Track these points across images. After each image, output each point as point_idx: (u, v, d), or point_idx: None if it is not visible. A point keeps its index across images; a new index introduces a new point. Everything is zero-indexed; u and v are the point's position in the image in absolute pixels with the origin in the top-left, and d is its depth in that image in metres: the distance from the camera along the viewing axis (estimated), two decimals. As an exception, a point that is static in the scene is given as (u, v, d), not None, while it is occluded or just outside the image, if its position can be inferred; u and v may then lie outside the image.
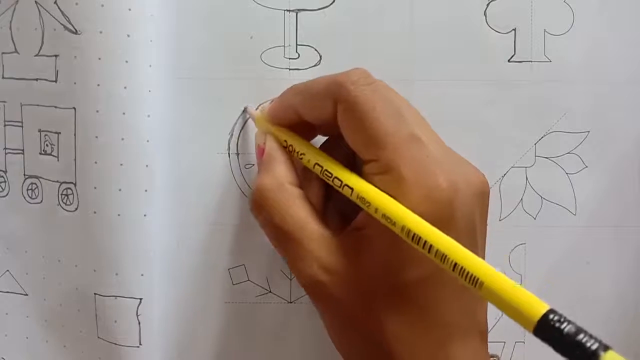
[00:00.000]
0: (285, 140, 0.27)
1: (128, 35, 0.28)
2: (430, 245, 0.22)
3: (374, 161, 0.24)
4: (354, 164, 0.26)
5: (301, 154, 0.27)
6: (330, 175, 0.25)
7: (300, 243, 0.25)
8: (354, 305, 0.25)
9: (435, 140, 0.25)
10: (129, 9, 0.28)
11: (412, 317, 0.24)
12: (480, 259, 0.21)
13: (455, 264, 0.21)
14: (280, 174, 0.26)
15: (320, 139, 0.29)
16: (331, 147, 0.28)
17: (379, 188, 0.24)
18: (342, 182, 0.25)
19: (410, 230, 0.22)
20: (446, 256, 0.21)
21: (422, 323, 0.24)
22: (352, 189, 0.24)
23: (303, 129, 0.27)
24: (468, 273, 0.21)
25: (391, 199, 0.23)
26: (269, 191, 0.26)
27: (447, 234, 0.22)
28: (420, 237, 0.22)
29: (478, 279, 0.20)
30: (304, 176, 0.27)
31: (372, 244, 0.25)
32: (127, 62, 0.28)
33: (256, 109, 0.30)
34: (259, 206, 0.26)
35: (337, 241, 0.25)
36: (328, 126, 0.26)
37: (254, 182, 0.27)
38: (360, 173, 0.25)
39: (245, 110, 0.30)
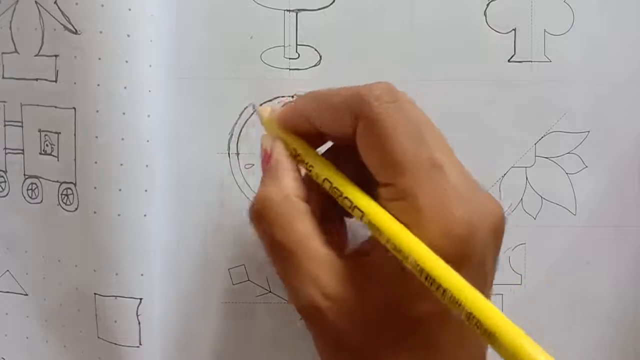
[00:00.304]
0: (294, 149, 0.26)
1: (128, 35, 0.28)
2: (444, 290, 0.20)
3: (390, 185, 0.23)
4: (361, 176, 0.25)
5: (310, 166, 0.25)
6: (340, 193, 0.24)
7: (300, 263, 0.23)
8: (353, 335, 0.23)
9: (455, 166, 0.23)
10: (129, 9, 0.28)
11: (417, 356, 0.23)
12: (498, 311, 0.20)
13: (470, 313, 0.20)
14: (287, 185, 0.25)
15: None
16: (337, 154, 0.26)
17: (392, 214, 0.22)
18: (352, 203, 0.23)
19: (424, 269, 0.21)
20: (461, 303, 0.20)
21: None
22: (362, 212, 0.23)
23: (312, 136, 0.26)
24: (482, 325, 0.19)
25: (406, 232, 0.22)
26: (272, 202, 0.24)
27: (459, 270, 0.21)
28: (434, 280, 0.21)
29: (494, 333, 0.19)
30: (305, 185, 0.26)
31: (378, 272, 0.23)
32: (127, 62, 0.28)
33: (260, 105, 0.29)
34: (260, 216, 0.24)
35: (341, 265, 0.23)
36: (342, 138, 0.24)
37: (257, 190, 0.25)
38: (367, 187, 0.24)
39: (253, 109, 0.29)
